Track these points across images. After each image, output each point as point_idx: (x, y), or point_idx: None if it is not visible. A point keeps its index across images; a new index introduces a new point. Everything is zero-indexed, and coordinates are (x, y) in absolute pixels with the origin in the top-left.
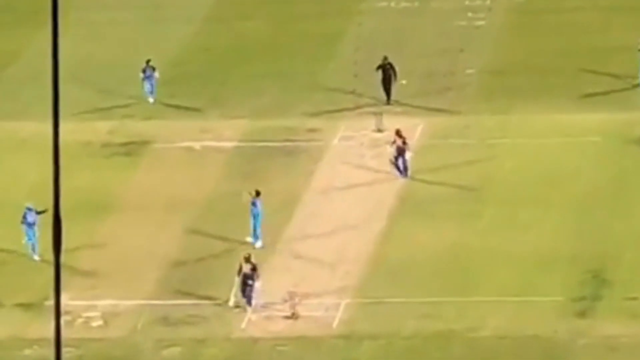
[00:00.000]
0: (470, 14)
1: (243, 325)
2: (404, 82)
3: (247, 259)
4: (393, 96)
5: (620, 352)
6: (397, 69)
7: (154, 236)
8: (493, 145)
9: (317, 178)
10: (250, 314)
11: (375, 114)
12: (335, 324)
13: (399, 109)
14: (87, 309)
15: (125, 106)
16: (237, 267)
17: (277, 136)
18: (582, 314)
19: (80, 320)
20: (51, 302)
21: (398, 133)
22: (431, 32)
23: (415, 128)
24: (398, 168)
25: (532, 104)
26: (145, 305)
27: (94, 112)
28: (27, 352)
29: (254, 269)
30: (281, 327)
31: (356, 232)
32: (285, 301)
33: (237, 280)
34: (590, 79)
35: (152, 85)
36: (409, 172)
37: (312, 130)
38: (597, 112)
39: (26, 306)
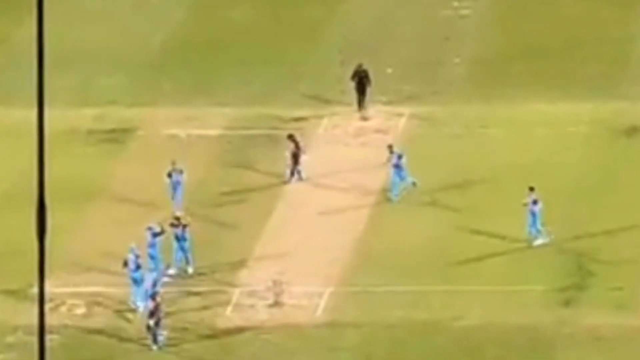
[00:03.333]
0: (455, 4)
1: (227, 312)
2: (389, 70)
3: (153, 297)
4: (368, 99)
5: (604, 341)
6: (371, 77)
7: (139, 224)
8: (479, 134)
9: (303, 166)
10: (233, 302)
11: (360, 102)
12: (319, 313)
13: (384, 98)
14: (71, 295)
15: (111, 93)
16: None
17: (263, 124)
18: (567, 304)
19: (64, 307)
20: (35, 289)
21: (291, 137)
22: (417, 21)
23: (401, 117)
24: (292, 173)
25: (519, 93)
26: (129, 292)
27: (80, 98)
28: (10, 339)
29: (157, 306)
30: (265, 315)
31: (341, 221)
32: (269, 289)
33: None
34: (577, 68)
35: (179, 194)
36: (304, 175)
37: (298, 118)
38: (584, 102)
39: (10, 293)
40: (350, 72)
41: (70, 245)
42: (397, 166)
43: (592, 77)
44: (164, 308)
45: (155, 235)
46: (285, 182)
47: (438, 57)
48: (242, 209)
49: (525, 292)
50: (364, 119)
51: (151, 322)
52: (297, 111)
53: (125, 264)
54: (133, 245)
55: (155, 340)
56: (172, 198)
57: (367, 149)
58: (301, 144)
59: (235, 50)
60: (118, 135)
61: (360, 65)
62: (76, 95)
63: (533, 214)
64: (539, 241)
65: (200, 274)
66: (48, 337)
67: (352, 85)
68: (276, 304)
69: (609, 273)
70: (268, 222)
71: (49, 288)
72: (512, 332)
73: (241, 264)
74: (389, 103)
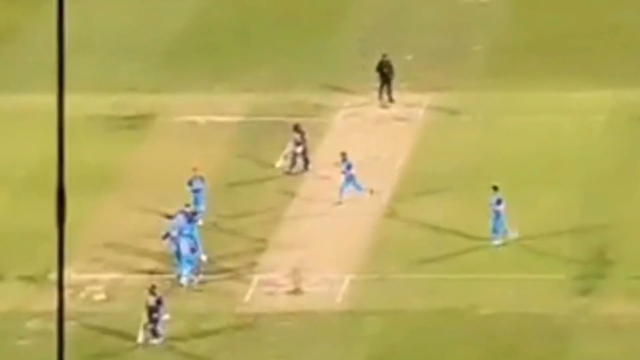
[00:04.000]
0: None
1: (246, 299)
2: (409, 58)
3: (152, 291)
4: (392, 90)
5: (622, 331)
6: (394, 67)
7: (158, 210)
8: (499, 122)
9: (322, 153)
10: (252, 290)
11: (379, 89)
12: (338, 300)
13: (404, 85)
14: (91, 282)
15: (131, 79)
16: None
17: (282, 111)
18: (584, 293)
19: (83, 293)
20: (54, 275)
21: (297, 128)
22: (437, 9)
23: (420, 105)
24: (293, 163)
25: (539, 81)
26: (148, 279)
27: (99, 85)
28: (29, 325)
29: (159, 301)
30: (284, 302)
31: (360, 208)
32: (288, 277)
33: (144, 315)
34: (597, 56)
35: (201, 202)
36: (310, 167)
37: (316, 105)
38: (604, 90)
39: (29, 279)
40: (369, 59)
41: (90, 231)
42: (345, 173)
43: (613, 65)
44: (165, 303)
45: (189, 220)
46: (288, 173)
47: (458, 45)
48: (261, 196)
49: (543, 280)
50: (384, 106)
51: (152, 317)
52: (316, 98)
53: (166, 235)
54: (176, 215)
55: (155, 334)
56: (195, 205)
57: (386, 137)
58: (306, 135)
59: (255, 37)
60: (137, 122)
61: (384, 56)
62: (96, 82)
63: (497, 214)
64: (497, 241)
65: (219, 262)
66: (67, 324)
67: (376, 76)
68: (295, 291)
69: (628, 262)
70: (287, 209)
71: (68, 274)
72: (530, 320)
73: (260, 251)
74: (408, 90)
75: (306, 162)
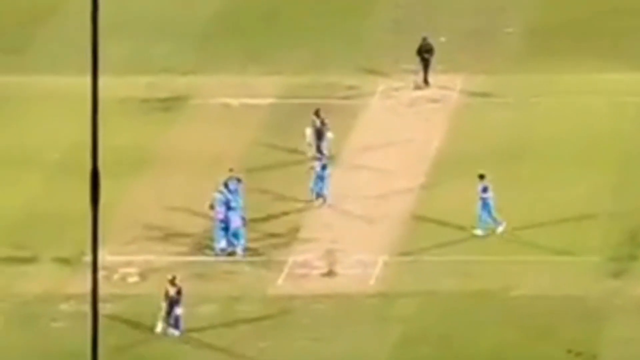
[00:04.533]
0: None
1: (279, 282)
2: (442, 39)
3: (172, 282)
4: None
5: None
6: (435, 49)
7: (191, 192)
8: (533, 104)
9: (355, 136)
10: (286, 271)
11: (414, 71)
12: (372, 282)
13: (438, 67)
14: (124, 264)
15: (165, 61)
16: (165, 290)
17: (315, 93)
18: (618, 275)
19: (116, 275)
20: (88, 257)
21: (317, 113)
22: None
23: (455, 86)
24: (320, 151)
25: (573, 63)
26: (181, 261)
27: (133, 67)
28: (63, 307)
29: (179, 292)
30: (317, 284)
31: (394, 190)
32: (322, 259)
33: (164, 305)
34: (632, 37)
35: (238, 203)
36: (327, 153)
37: (350, 87)
38: (637, 71)
39: (63, 261)
40: (404, 40)
41: (124, 213)
42: (319, 175)
43: None
44: (184, 293)
45: (230, 190)
46: (308, 159)
47: (491, 27)
48: (294, 178)
49: (577, 262)
50: (418, 87)
51: (172, 308)
52: (350, 80)
53: (212, 206)
54: (221, 187)
55: (177, 326)
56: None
57: (421, 119)
58: (326, 121)
59: (289, 18)
60: (171, 104)
61: (425, 39)
62: (130, 64)
63: (484, 202)
64: (479, 231)
65: (252, 244)
66: (101, 306)
67: (417, 59)
68: (329, 274)
69: None
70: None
71: (102, 256)
72: (563, 302)
73: (294, 233)
74: (442, 72)
75: (321, 150)
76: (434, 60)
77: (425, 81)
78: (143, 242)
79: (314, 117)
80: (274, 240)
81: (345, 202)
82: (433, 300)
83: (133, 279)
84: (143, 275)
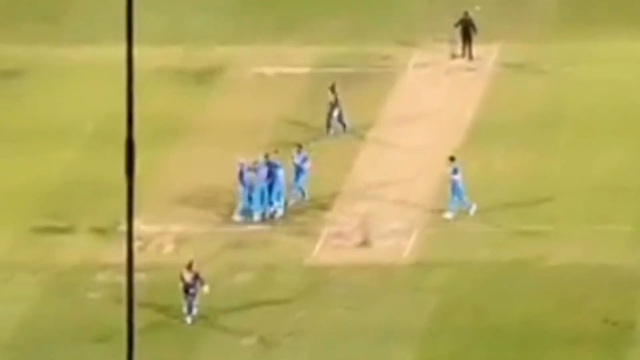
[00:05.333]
0: None
1: (314, 252)
2: (477, 8)
3: (189, 267)
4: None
5: None
6: (476, 25)
7: (227, 162)
8: (568, 73)
9: (391, 105)
10: (321, 242)
11: (450, 40)
12: (406, 253)
13: (473, 36)
14: (160, 234)
15: (200, 31)
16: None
17: (351, 63)
18: None
19: (152, 245)
20: (124, 227)
21: (332, 88)
22: None
23: (490, 55)
24: (343, 124)
25: (608, 30)
26: (217, 231)
27: (169, 37)
28: (100, 277)
29: (196, 277)
30: (352, 255)
31: (429, 160)
32: (357, 229)
33: (181, 285)
34: None
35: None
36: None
37: (386, 57)
38: None
39: (99, 231)
40: (440, 10)
41: (159, 183)
42: (298, 167)
43: None
44: (202, 279)
45: (270, 172)
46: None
47: None
48: (330, 149)
49: (611, 232)
50: (454, 57)
51: (189, 292)
52: (385, 49)
53: (241, 175)
54: (242, 160)
55: (190, 311)
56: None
57: (456, 88)
58: (339, 97)
59: None
60: (206, 74)
61: (466, 13)
62: (165, 34)
63: (454, 185)
64: (449, 214)
65: (288, 214)
66: (136, 276)
67: (456, 31)
68: (364, 244)
69: None
70: (356, 162)
71: (137, 226)
72: (597, 272)
73: (329, 204)
74: (477, 42)
75: (344, 125)
76: (475, 35)
77: (470, 57)
78: (178, 212)
79: (329, 92)
80: (309, 211)
81: (380, 172)
82: (467, 270)
83: (168, 249)
84: (178, 245)
